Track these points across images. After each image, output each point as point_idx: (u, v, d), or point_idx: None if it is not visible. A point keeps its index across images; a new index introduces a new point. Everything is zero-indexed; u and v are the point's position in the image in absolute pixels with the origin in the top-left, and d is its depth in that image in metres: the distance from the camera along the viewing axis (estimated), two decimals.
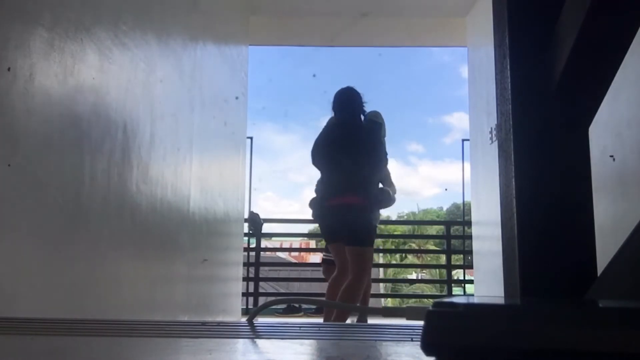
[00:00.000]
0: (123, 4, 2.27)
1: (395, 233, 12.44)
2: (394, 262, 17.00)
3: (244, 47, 5.19)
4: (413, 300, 8.64)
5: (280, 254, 12.34)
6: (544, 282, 0.65)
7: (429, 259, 16.21)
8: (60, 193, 1.74)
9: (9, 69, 1.45)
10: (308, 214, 3.71)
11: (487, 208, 4.51)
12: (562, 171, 0.68)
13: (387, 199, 3.44)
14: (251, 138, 5.68)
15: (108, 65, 2.09)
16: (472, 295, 5.07)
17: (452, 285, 6.74)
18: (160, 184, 2.72)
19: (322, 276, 4.35)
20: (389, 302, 10.50)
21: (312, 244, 11.45)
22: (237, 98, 4.68)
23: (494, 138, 4.41)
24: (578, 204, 0.68)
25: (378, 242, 3.86)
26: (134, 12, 2.39)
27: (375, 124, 3.31)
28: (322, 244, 4.42)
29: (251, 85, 5.55)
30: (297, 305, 5.46)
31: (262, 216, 5.87)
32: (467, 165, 5.67)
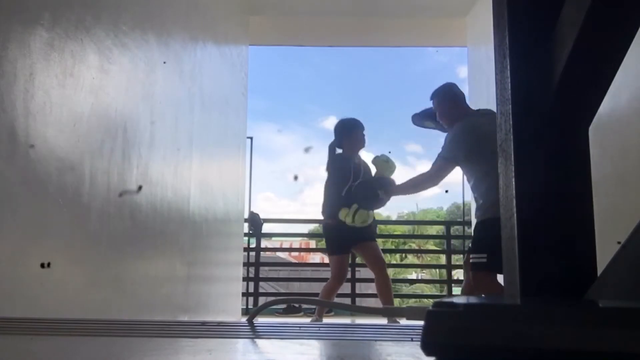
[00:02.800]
0: (123, 4, 2.27)
1: (395, 233, 12.43)
2: (394, 262, 16.98)
3: (244, 47, 5.19)
4: (413, 300, 8.63)
5: (280, 254, 12.34)
6: (544, 282, 0.65)
7: (429, 259, 16.20)
8: (61, 193, 1.74)
9: None
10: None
11: None
12: (562, 171, 0.68)
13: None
14: (251, 138, 5.68)
15: (108, 65, 2.09)
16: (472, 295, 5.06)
17: (452, 285, 6.73)
18: (160, 184, 2.72)
19: (321, 276, 4.39)
20: None
21: (312, 244, 11.45)
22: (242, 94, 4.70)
23: None
24: (578, 203, 0.68)
25: (378, 242, 3.90)
26: (134, 12, 2.39)
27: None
28: (323, 243, 4.43)
29: (251, 85, 5.55)
30: (297, 305, 5.46)
31: (261, 216, 5.87)
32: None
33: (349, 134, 3.88)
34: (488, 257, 2.99)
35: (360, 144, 3.91)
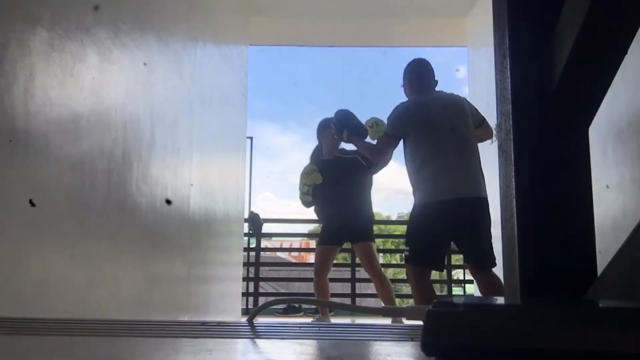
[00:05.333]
0: (123, 4, 2.27)
1: (395, 233, 12.40)
2: (394, 262, 16.92)
3: (244, 47, 5.19)
4: (413, 300, 8.61)
5: (280, 254, 12.34)
6: (544, 282, 0.65)
7: None
8: (61, 193, 1.74)
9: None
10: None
11: None
12: (562, 171, 0.68)
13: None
14: (251, 138, 5.68)
15: (108, 65, 2.09)
16: (472, 295, 5.06)
17: (452, 285, 6.73)
18: (160, 184, 2.72)
19: None
20: None
21: (312, 244, 11.43)
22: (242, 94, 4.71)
23: (494, 138, 4.41)
24: (578, 203, 0.68)
25: (378, 242, 3.90)
26: (134, 12, 2.39)
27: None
28: None
29: (251, 85, 5.56)
30: (297, 305, 5.46)
31: (261, 216, 5.86)
32: None
33: (321, 134, 4.00)
34: (410, 249, 2.95)
35: (328, 143, 3.92)
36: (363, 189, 3.89)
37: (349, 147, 3.85)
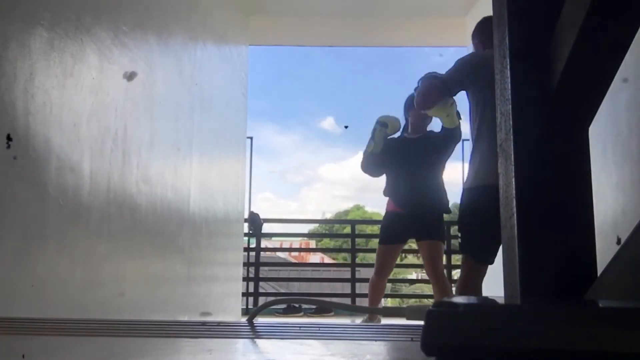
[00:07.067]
0: (123, 4, 2.27)
1: None
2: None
3: (244, 47, 5.19)
4: (413, 300, 8.61)
5: (280, 254, 12.35)
6: (544, 282, 0.65)
7: None
8: (60, 193, 1.74)
9: None
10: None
11: None
12: (562, 171, 0.68)
13: None
14: (251, 138, 5.68)
15: (108, 65, 2.09)
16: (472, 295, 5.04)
17: (452, 285, 6.72)
18: (160, 184, 2.72)
19: (321, 276, 4.37)
20: (389, 302, 10.49)
21: (312, 244, 11.45)
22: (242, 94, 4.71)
23: None
24: (578, 204, 0.68)
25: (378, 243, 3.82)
26: (134, 12, 2.39)
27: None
28: (323, 243, 4.44)
29: (251, 85, 5.56)
30: (297, 305, 5.46)
31: (261, 216, 5.87)
32: (467, 166, 5.63)
33: (408, 110, 3.49)
34: (461, 238, 2.52)
35: (415, 121, 3.43)
36: (442, 179, 3.50)
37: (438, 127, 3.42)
